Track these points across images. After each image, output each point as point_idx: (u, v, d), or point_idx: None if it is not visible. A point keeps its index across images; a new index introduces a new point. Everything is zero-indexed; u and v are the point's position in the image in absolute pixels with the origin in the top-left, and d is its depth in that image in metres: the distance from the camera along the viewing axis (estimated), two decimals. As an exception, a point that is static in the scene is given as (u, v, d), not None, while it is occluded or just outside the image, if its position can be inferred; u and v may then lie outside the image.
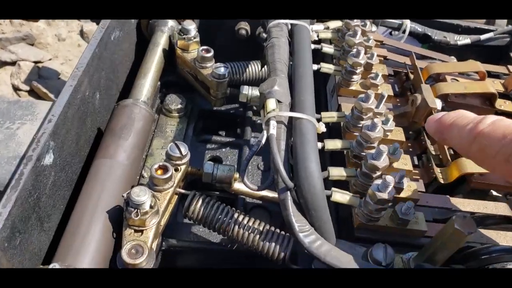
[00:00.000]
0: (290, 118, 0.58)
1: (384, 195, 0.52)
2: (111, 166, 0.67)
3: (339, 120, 0.66)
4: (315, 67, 0.74)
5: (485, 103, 0.76)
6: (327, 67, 0.74)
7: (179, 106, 0.89)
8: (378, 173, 0.56)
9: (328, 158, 0.74)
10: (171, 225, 0.73)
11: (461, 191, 0.70)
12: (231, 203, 0.73)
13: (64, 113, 0.65)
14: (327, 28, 0.82)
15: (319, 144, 0.62)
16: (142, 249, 0.57)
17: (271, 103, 0.57)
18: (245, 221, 0.63)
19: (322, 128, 0.58)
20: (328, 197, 0.55)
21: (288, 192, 0.52)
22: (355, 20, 0.80)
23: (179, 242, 0.69)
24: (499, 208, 0.63)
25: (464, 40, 0.95)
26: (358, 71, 0.72)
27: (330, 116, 0.66)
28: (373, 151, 0.56)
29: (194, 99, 0.93)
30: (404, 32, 0.93)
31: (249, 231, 0.62)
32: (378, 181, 0.53)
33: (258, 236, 0.62)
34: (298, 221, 0.51)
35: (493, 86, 0.76)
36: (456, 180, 0.66)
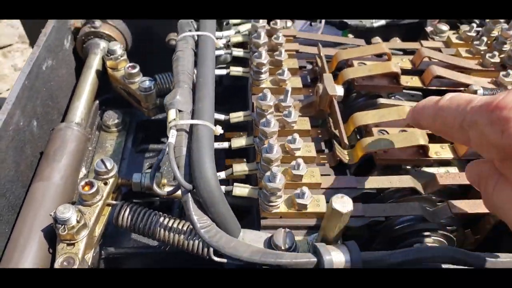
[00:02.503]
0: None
1: (274, 185, 0.57)
2: (46, 188, 0.72)
3: (246, 118, 0.72)
4: (225, 71, 0.80)
5: (392, 82, 0.81)
6: (235, 70, 0.80)
7: (116, 121, 0.94)
8: (275, 164, 0.62)
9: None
10: (113, 234, 0.79)
11: (377, 169, 0.76)
12: (169, 206, 0.79)
13: (-5, 146, 0.71)
14: (238, 32, 0.87)
15: (227, 144, 0.68)
16: (73, 260, 0.63)
17: (171, 114, 0.63)
18: (170, 223, 0.68)
19: (218, 130, 0.63)
20: (230, 192, 0.61)
21: (189, 193, 0.57)
22: (261, 21, 0.85)
23: (117, 249, 0.75)
24: (403, 181, 0.68)
25: (378, 22, 1.00)
26: (263, 70, 0.77)
27: (237, 116, 0.72)
28: (270, 143, 0.62)
29: (132, 112, 0.99)
30: (319, 22, 0.97)
31: (174, 232, 0.68)
32: (269, 173, 0.58)
33: (182, 235, 0.68)
34: (199, 219, 0.57)
35: (398, 65, 0.81)
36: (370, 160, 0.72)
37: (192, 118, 0.63)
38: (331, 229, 0.55)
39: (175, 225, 0.69)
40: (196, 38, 0.78)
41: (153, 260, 0.78)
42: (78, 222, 0.65)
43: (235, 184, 0.62)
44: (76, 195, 0.79)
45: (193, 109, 0.65)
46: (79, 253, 0.64)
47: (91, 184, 0.69)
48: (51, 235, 0.68)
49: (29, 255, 0.64)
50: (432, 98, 0.54)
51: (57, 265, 0.62)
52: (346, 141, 0.67)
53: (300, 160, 0.63)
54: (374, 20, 1.00)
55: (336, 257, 0.54)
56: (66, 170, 0.76)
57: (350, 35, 1.05)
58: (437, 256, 0.56)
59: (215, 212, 0.56)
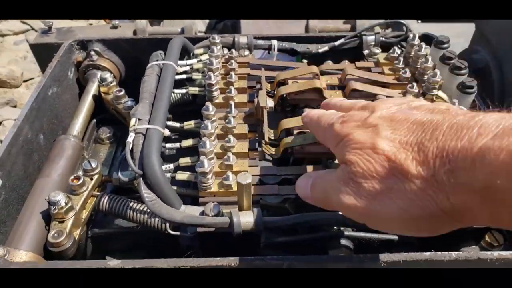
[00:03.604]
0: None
1: (202, 169, 0.78)
2: (45, 183, 0.95)
3: (196, 125, 0.93)
4: (184, 90, 1.02)
5: (318, 95, 1.01)
6: (193, 89, 1.01)
7: (108, 135, 1.17)
8: (208, 156, 0.82)
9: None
10: (101, 220, 1.01)
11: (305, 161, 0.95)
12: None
13: (8, 151, 0.94)
14: (200, 60, 1.10)
15: (178, 144, 0.89)
16: (62, 232, 0.84)
17: (132, 121, 0.85)
18: (137, 206, 0.89)
19: (166, 132, 0.84)
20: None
21: (141, 178, 0.78)
22: (215, 51, 1.06)
23: (101, 230, 0.96)
24: (297, 169, 0.87)
25: (323, 48, 1.20)
26: (214, 89, 0.97)
27: (189, 124, 0.93)
28: (203, 141, 0.82)
29: (123, 128, 1.21)
30: (273, 50, 1.19)
31: (139, 213, 0.88)
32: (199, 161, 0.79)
33: (146, 215, 0.88)
34: (147, 195, 0.77)
35: (323, 82, 1.01)
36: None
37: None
38: (241, 199, 0.75)
39: (141, 208, 0.90)
40: (161, 66, 1.01)
41: (132, 239, 0.99)
42: (66, 204, 0.86)
43: (178, 171, 0.83)
44: (66, 189, 1.01)
45: (149, 117, 0.87)
46: (67, 228, 0.85)
47: (78, 178, 0.90)
48: (47, 217, 0.89)
49: (30, 230, 0.86)
50: (313, 111, 0.72)
51: (49, 235, 0.83)
52: (266, 139, 0.87)
53: (230, 154, 0.83)
54: (320, 46, 1.20)
55: (243, 219, 0.74)
56: (63, 170, 0.98)
57: (304, 61, 1.26)
58: (319, 219, 0.75)
59: (158, 190, 0.77)
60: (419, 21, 2.20)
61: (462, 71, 0.96)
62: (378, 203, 0.47)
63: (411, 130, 0.46)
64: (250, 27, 1.99)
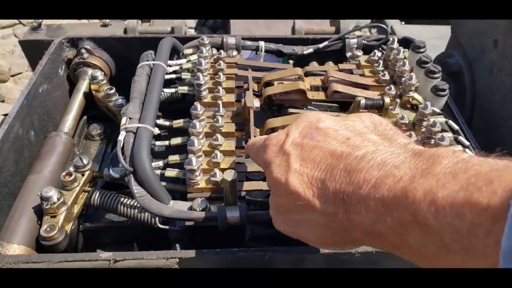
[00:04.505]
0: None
1: (190, 166, 0.82)
2: (37, 179, 0.97)
3: (185, 124, 0.96)
4: (173, 90, 1.05)
5: (302, 96, 1.05)
6: (182, 89, 1.05)
7: (99, 131, 1.20)
8: (196, 154, 0.86)
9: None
10: (92, 214, 1.04)
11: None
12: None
13: (-1, 147, 0.97)
14: (189, 60, 1.13)
15: (167, 142, 0.93)
16: (54, 227, 0.87)
17: (123, 120, 0.88)
18: (127, 202, 0.93)
19: (156, 131, 0.88)
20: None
21: (131, 174, 0.82)
22: (204, 52, 1.10)
23: (92, 224, 1.00)
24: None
25: (308, 50, 1.25)
26: (202, 88, 1.01)
27: (178, 122, 0.97)
28: (192, 139, 0.86)
29: (113, 125, 1.24)
30: (261, 51, 1.23)
31: (130, 208, 0.92)
32: (187, 158, 0.83)
33: (136, 210, 0.92)
34: (138, 191, 0.81)
35: (307, 83, 1.06)
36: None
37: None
38: (227, 195, 0.79)
39: (131, 203, 0.93)
40: (151, 66, 1.04)
41: (122, 233, 1.02)
42: (58, 199, 0.89)
43: (167, 168, 0.87)
44: (57, 185, 1.04)
45: (140, 116, 0.90)
46: (59, 223, 0.88)
47: (70, 174, 0.93)
48: (39, 212, 0.92)
49: (22, 224, 0.89)
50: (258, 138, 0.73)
51: (42, 230, 0.86)
52: (252, 138, 0.91)
53: (217, 152, 0.87)
54: (305, 48, 1.25)
55: (229, 213, 0.78)
56: (54, 166, 1.01)
57: (291, 62, 1.30)
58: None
59: (148, 186, 0.81)
60: (403, 22, 2.26)
61: (436, 75, 1.01)
62: (300, 231, 0.55)
63: (316, 163, 0.50)
64: (239, 25, 2.03)
